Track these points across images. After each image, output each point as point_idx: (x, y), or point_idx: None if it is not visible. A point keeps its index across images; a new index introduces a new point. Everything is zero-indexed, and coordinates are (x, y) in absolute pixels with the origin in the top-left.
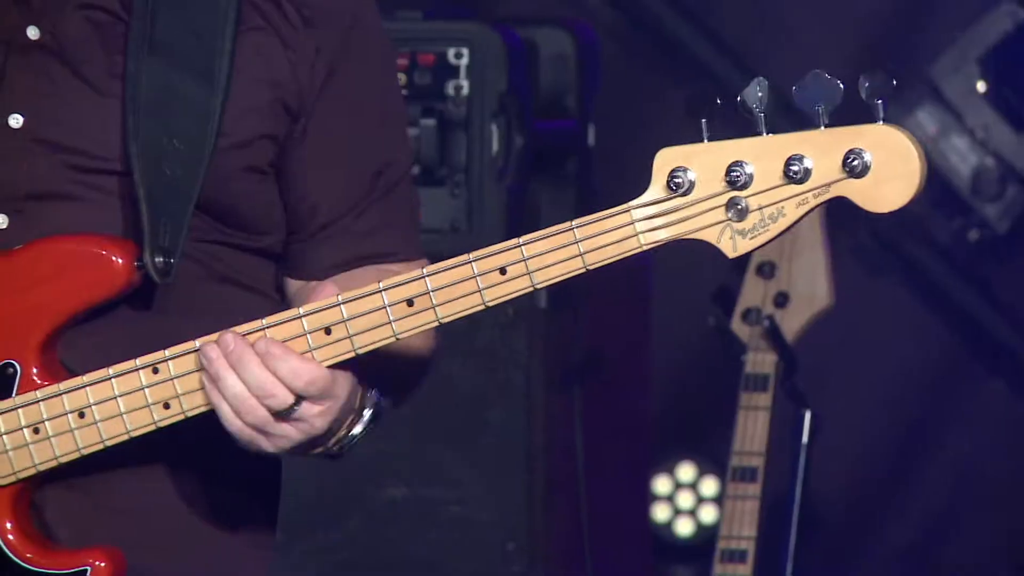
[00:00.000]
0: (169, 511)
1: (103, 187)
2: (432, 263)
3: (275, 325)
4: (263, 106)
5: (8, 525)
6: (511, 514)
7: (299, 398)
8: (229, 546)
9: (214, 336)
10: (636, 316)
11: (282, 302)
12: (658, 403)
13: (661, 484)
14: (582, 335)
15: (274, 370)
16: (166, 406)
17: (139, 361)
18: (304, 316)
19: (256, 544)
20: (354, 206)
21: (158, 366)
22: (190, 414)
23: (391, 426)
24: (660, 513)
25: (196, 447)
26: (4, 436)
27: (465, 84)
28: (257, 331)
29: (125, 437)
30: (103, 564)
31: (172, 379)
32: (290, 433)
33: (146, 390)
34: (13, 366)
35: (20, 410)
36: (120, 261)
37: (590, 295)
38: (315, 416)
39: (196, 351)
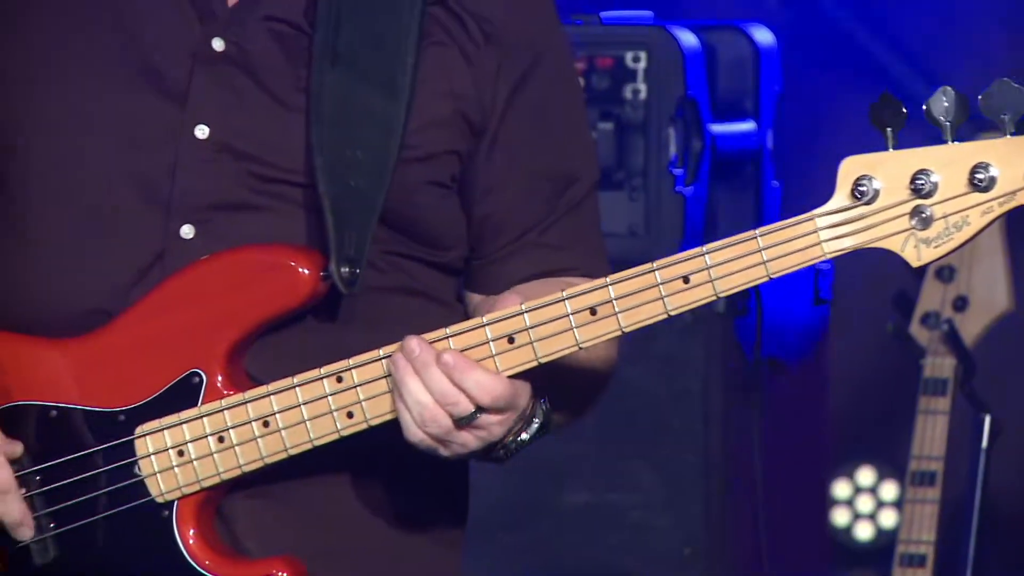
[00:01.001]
0: (356, 519)
1: (287, 198)
2: (612, 269)
3: (459, 334)
4: (446, 119)
5: (191, 532)
6: (689, 519)
7: (480, 408)
8: (418, 552)
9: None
10: (814, 318)
11: (465, 316)
12: (837, 407)
13: (840, 488)
14: (760, 339)
15: (459, 383)
16: (349, 415)
17: (323, 370)
18: (487, 325)
19: (445, 548)
20: (539, 222)
21: (342, 375)
22: (373, 423)
23: (576, 432)
24: (839, 518)
25: (383, 453)
26: (189, 444)
27: (643, 88)
28: (441, 339)
29: (308, 446)
30: (283, 574)
31: (355, 387)
32: (468, 441)
33: (329, 398)
34: (199, 375)
35: (205, 418)
36: (307, 271)
37: (768, 297)
38: (494, 425)
39: (380, 359)
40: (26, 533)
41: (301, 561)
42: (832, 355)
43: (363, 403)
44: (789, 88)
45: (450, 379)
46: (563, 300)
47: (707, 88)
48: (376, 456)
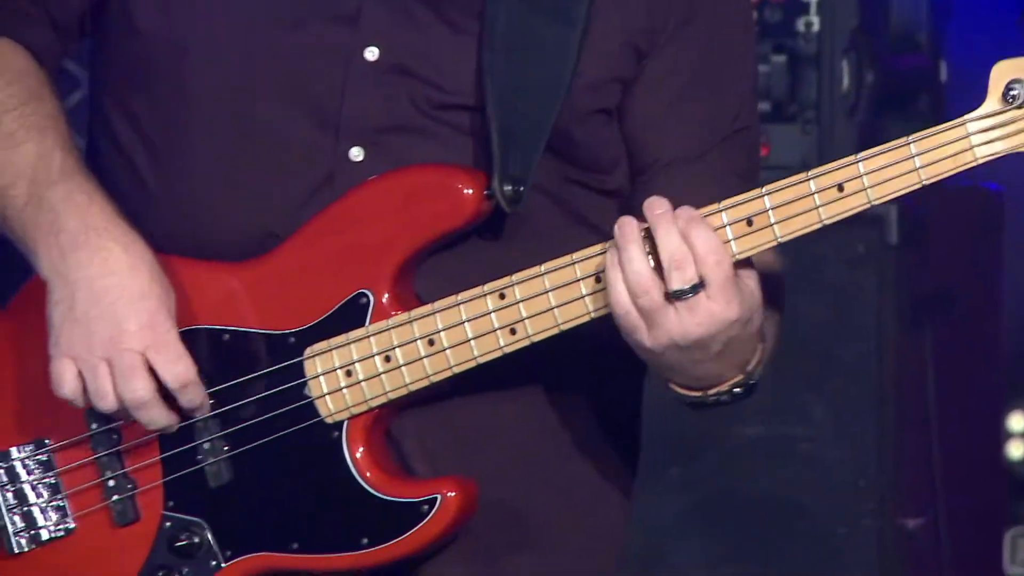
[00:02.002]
0: (525, 443)
1: (455, 122)
2: None
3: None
4: (616, 49)
5: (360, 452)
6: (862, 452)
7: (696, 286)
8: (587, 480)
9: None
10: (988, 248)
11: None
12: (1012, 338)
13: (1016, 421)
14: (933, 270)
15: (692, 241)
16: (512, 331)
17: (486, 287)
18: (724, 210)
19: (615, 478)
20: (697, 149)
21: (504, 291)
22: (535, 339)
23: None
24: (1015, 450)
25: (557, 377)
26: (357, 364)
27: (816, 20)
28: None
29: (473, 363)
30: (453, 494)
31: (518, 303)
32: (672, 329)
33: (492, 315)
34: (366, 295)
35: (372, 338)
36: (471, 190)
37: (941, 228)
38: (702, 315)
39: (542, 275)
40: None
41: (472, 481)
42: (1006, 286)
43: (525, 320)
44: (963, 19)
45: (684, 236)
46: (720, 211)
47: (881, 20)
48: (548, 379)
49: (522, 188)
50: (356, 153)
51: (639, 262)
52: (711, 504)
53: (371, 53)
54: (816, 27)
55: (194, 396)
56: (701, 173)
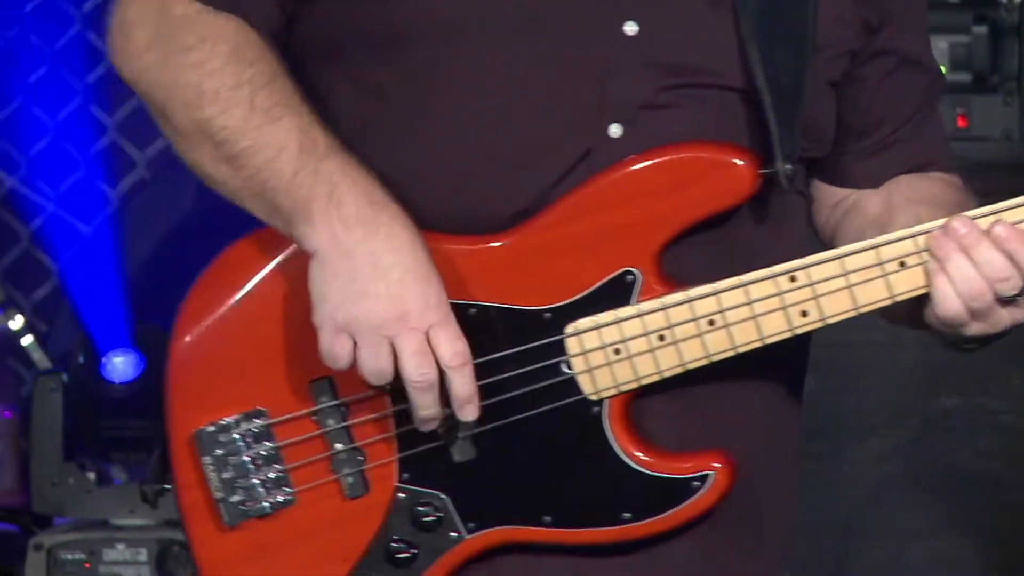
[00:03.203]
0: (757, 425)
1: (715, 97)
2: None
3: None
4: (849, 19)
5: (621, 428)
6: None
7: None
8: (793, 453)
9: (930, 225)
10: None
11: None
12: None
13: None
14: None
15: (1011, 253)
16: (803, 313)
17: (775, 268)
18: None
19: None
20: (910, 118)
21: (795, 274)
22: (829, 321)
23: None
24: None
25: (790, 363)
26: (629, 343)
27: None
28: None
29: (759, 343)
30: (722, 467)
31: (810, 284)
32: (1001, 320)
33: (784, 295)
34: (633, 273)
35: (645, 317)
36: (745, 168)
37: None
38: None
39: (837, 259)
40: (471, 412)
41: (732, 456)
42: None
43: (819, 299)
44: None
45: (1002, 252)
46: None
47: None
48: (786, 367)
49: (795, 167)
50: (615, 130)
51: (967, 269)
52: (910, 475)
53: (630, 27)
54: None
55: (466, 379)
56: (918, 139)
